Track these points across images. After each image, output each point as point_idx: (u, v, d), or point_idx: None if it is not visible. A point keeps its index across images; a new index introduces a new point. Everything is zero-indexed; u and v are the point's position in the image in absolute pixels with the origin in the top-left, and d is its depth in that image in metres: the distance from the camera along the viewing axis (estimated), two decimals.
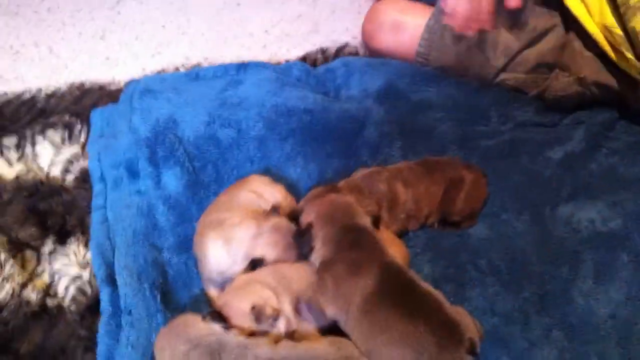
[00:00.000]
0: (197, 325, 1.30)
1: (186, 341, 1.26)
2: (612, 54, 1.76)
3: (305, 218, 1.46)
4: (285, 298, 1.37)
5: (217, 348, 1.25)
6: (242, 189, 1.60)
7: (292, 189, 1.75)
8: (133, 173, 1.78)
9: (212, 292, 1.48)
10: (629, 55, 1.69)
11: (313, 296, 1.35)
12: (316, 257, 1.39)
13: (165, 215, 1.69)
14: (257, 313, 1.31)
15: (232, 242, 1.45)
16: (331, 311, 1.32)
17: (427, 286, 1.32)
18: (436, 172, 1.64)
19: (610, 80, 1.83)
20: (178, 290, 1.55)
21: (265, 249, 1.45)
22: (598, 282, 1.52)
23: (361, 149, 1.86)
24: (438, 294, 1.31)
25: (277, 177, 1.76)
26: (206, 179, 1.78)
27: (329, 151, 1.84)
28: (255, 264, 1.43)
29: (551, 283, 1.53)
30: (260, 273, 1.41)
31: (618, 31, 1.69)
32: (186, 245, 1.62)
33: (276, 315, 1.33)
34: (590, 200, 1.69)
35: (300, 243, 1.43)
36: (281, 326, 1.34)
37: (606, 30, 1.72)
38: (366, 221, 1.43)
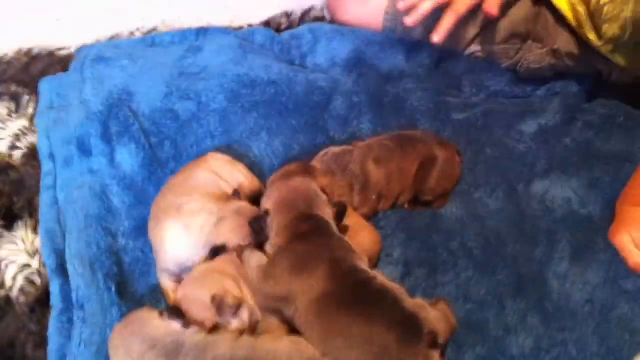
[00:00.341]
0: (154, 323, 1.21)
1: (142, 341, 1.18)
2: (579, 31, 1.69)
3: (264, 204, 1.37)
4: (246, 286, 1.29)
5: (174, 349, 1.17)
6: (200, 169, 1.50)
7: (256, 166, 1.66)
8: (85, 150, 1.67)
9: (167, 283, 1.39)
10: (591, 35, 1.63)
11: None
12: (270, 247, 1.31)
13: (120, 197, 1.58)
14: (219, 304, 1.23)
15: (192, 230, 1.36)
16: (272, 310, 1.25)
17: (382, 281, 1.23)
18: (409, 149, 1.57)
19: (584, 52, 1.76)
20: (135, 280, 1.46)
21: (228, 236, 1.36)
22: (574, 264, 1.46)
23: (329, 123, 1.77)
24: (395, 288, 1.23)
25: (239, 154, 1.67)
26: (164, 156, 1.68)
27: (294, 125, 1.74)
28: (216, 252, 1.34)
29: (526, 265, 1.47)
30: (218, 261, 1.32)
31: (581, 8, 1.63)
32: (143, 230, 1.52)
33: (238, 304, 1.24)
34: (565, 177, 1.63)
35: (255, 231, 1.34)
36: (244, 316, 1.26)
37: (572, 6, 1.65)
38: (326, 212, 1.34)
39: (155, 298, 1.42)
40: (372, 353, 1.15)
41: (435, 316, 1.23)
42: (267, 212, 1.33)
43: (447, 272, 1.46)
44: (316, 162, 1.52)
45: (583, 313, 1.38)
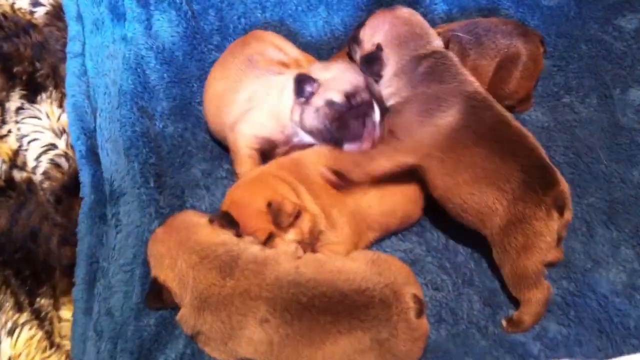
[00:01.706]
0: (204, 231, 1.05)
1: (191, 251, 1.02)
2: None
3: (370, 36, 1.22)
4: (305, 192, 1.13)
5: (229, 262, 1.01)
6: (263, 42, 1.33)
7: (310, 47, 1.46)
8: (118, 14, 1.44)
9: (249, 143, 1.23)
10: None
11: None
12: (388, 91, 1.19)
13: (158, 72, 1.39)
14: (275, 211, 1.07)
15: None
16: (405, 161, 1.14)
17: (520, 127, 1.13)
18: (487, 42, 1.33)
19: None
20: (174, 170, 1.29)
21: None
22: None
23: (397, 0, 1.52)
24: (533, 138, 1.13)
25: (292, 31, 1.47)
26: (208, 27, 1.46)
27: (357, 1, 1.50)
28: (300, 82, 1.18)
29: (621, 188, 1.28)
30: (272, 166, 1.17)
31: None
32: (184, 111, 1.35)
33: (298, 211, 1.09)
34: None
35: (368, 69, 1.20)
36: (304, 226, 1.10)
37: None
38: (440, 44, 1.22)
39: (197, 194, 1.26)
40: (496, 188, 1.08)
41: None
42: (379, 47, 1.19)
43: None
44: None
45: None
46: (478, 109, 1.12)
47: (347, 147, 1.17)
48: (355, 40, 1.24)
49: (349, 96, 1.16)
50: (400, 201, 1.20)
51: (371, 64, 1.19)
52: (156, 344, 1.07)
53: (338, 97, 1.16)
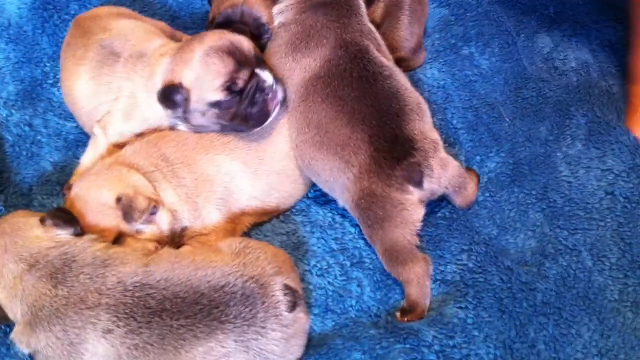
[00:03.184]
0: (34, 233, 0.90)
1: (18, 258, 0.89)
2: None
3: None
4: (167, 185, 1.01)
5: (61, 267, 0.87)
6: (110, 21, 1.12)
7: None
8: None
9: None
10: None
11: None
12: (279, 7, 1.08)
13: (4, 52, 1.24)
14: (126, 206, 0.94)
15: None
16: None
17: (398, 84, 1.00)
18: None
19: None
20: (21, 165, 1.14)
21: None
22: (590, 146, 1.16)
23: None
24: (412, 102, 0.99)
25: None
26: None
27: None
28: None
29: (527, 145, 1.17)
30: (125, 152, 1.03)
31: None
32: (33, 95, 1.20)
33: (153, 207, 0.96)
34: (579, 31, 1.29)
35: None
36: (163, 222, 0.98)
37: None
38: None
39: (48, 190, 1.11)
40: (340, 159, 0.96)
41: (443, 158, 0.98)
42: None
43: None
44: None
45: (601, 209, 1.09)
46: (345, 60, 0.99)
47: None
48: None
49: (229, 87, 0.97)
50: (276, 182, 1.06)
51: None
52: None
53: (219, 96, 0.98)
